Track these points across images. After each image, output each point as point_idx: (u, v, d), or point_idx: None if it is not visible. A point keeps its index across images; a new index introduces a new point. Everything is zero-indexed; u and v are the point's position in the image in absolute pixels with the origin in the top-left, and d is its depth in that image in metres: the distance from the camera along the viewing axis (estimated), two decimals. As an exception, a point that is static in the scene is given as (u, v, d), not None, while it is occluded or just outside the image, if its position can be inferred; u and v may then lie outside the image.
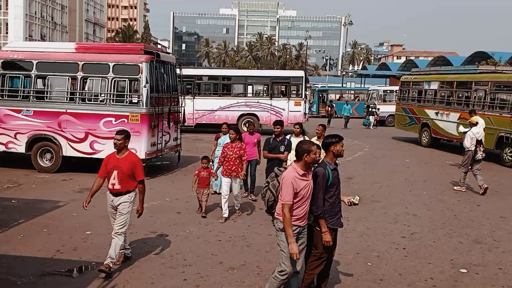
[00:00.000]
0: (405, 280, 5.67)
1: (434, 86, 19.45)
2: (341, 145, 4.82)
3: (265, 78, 22.10)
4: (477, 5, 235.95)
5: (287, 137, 8.82)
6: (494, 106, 15.26)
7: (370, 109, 31.38)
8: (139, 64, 10.86)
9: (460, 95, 17.61)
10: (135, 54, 11.15)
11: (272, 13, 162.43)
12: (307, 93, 24.81)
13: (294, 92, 22.02)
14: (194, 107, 21.62)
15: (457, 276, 5.84)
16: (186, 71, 23.04)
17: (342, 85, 49.95)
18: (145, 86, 10.78)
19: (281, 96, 22.09)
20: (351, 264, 6.15)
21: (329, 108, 31.43)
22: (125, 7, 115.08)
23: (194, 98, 21.63)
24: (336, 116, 32.99)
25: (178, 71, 12.90)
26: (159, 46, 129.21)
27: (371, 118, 29.61)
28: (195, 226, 7.59)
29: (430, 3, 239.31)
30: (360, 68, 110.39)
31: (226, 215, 7.97)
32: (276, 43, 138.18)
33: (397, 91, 25.00)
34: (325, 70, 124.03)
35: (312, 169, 4.67)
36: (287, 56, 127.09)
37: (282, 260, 4.48)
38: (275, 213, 4.58)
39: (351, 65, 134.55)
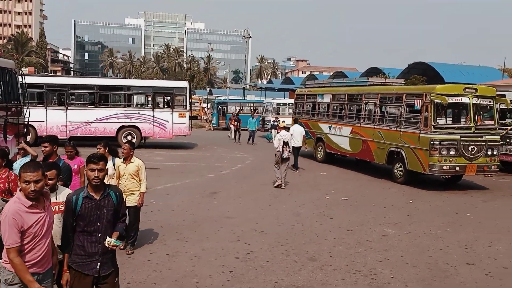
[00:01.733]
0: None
1: (327, 99, 18.93)
2: (92, 168, 3.69)
3: (147, 88, 21.06)
4: (379, 25, 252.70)
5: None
6: (384, 120, 14.90)
7: (273, 122, 31.35)
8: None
9: (352, 108, 17.22)
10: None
11: (180, 25, 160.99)
12: (207, 104, 23.93)
13: (179, 103, 21.14)
14: (68, 119, 19.96)
15: (273, 302, 5.29)
16: (57, 80, 21.45)
17: (243, 98, 49.98)
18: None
19: (165, 107, 21.10)
20: (160, 295, 5.38)
21: (236, 122, 26.93)
22: (19, 13, 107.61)
23: (67, 108, 19.97)
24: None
25: (20, 78, 11.48)
26: (60, 56, 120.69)
27: (273, 132, 29.30)
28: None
29: (337, 22, 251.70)
30: (266, 81, 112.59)
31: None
32: (184, 55, 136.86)
33: (292, 104, 24.75)
34: (232, 83, 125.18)
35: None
36: (195, 68, 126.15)
37: None
38: (2, 261, 3.50)
39: (258, 79, 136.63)
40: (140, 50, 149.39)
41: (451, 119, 15.34)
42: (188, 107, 20.88)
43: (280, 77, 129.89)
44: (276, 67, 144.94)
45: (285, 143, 12.57)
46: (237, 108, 40.85)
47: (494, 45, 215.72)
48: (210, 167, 15.86)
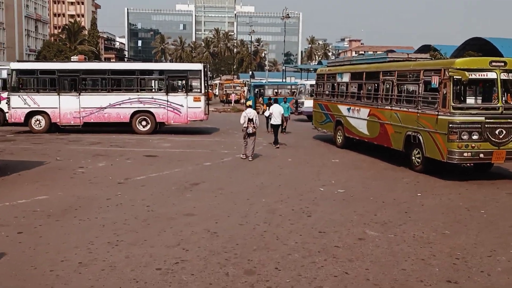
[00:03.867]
0: None
1: (346, 78, 17.11)
2: None
3: (160, 72, 20.19)
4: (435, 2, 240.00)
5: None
6: (401, 100, 13.13)
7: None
8: None
9: (370, 87, 15.47)
10: None
11: (230, 9, 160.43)
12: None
13: (194, 87, 20.18)
14: (81, 105, 19.54)
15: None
16: (69, 66, 21.05)
17: (283, 80, 48.38)
18: None
19: (179, 91, 20.20)
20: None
21: (268, 108, 20.36)
22: (72, 3, 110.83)
23: (79, 94, 19.53)
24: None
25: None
26: (117, 44, 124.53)
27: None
28: None
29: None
30: (316, 63, 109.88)
31: None
32: (234, 39, 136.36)
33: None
34: (282, 65, 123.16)
35: None
36: (245, 52, 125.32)
37: None
38: None
39: (309, 61, 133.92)
40: (191, 36, 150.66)
41: (475, 98, 13.36)
42: (203, 91, 19.83)
43: (332, 58, 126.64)
44: (328, 48, 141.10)
45: (250, 120, 13.63)
46: (274, 91, 39.65)
47: None
48: (214, 155, 14.80)
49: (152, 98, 19.77)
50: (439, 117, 10.99)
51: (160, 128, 20.68)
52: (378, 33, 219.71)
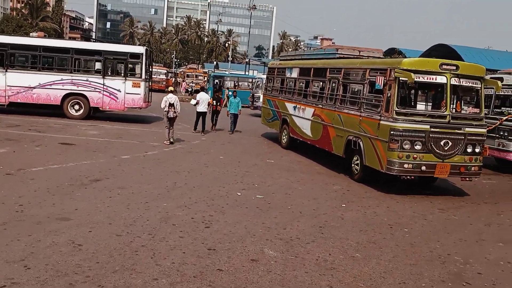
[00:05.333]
0: None
1: (295, 74, 15.86)
2: None
3: (97, 53, 18.62)
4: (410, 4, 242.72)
5: None
6: (345, 101, 11.90)
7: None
8: None
9: (316, 85, 14.21)
10: None
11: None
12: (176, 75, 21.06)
13: (134, 71, 18.73)
14: (7, 82, 17.83)
15: None
16: (-3, 39, 19.26)
17: (245, 73, 47.19)
18: None
19: (117, 75, 18.70)
20: None
21: (215, 102, 18.54)
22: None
23: (6, 71, 17.82)
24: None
25: None
26: (86, 24, 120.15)
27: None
28: None
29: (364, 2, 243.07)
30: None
31: None
32: (206, 28, 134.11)
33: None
34: (259, 59, 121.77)
35: None
36: (215, 42, 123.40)
37: None
38: None
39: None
40: (162, 21, 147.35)
41: (425, 104, 12.46)
42: (143, 76, 18.40)
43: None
44: (299, 45, 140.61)
45: (171, 104, 14.15)
46: (235, 84, 38.44)
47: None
48: (140, 146, 13.52)
49: (87, 80, 18.23)
50: (381, 122, 9.91)
51: (94, 114, 19.15)
52: (350, 34, 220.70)
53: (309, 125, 13.82)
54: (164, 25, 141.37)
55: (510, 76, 13.95)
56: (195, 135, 16.99)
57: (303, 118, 14.31)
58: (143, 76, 18.42)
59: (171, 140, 14.30)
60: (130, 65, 18.68)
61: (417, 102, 12.23)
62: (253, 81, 33.48)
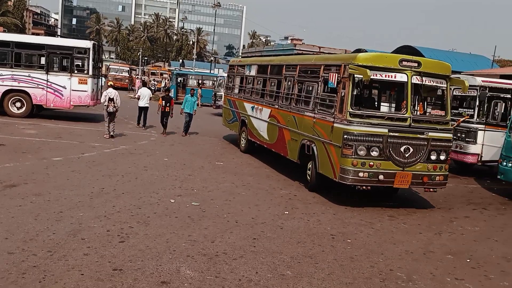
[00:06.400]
0: None
1: (253, 71, 14.76)
2: None
3: (40, 47, 17.40)
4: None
5: None
6: (300, 101, 10.89)
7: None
8: None
9: (273, 84, 13.19)
10: None
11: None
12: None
13: (80, 67, 17.61)
14: None
15: None
16: None
17: (210, 71, 46.24)
18: None
19: (63, 71, 17.55)
20: None
21: (163, 102, 16.69)
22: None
23: None
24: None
25: None
26: (51, 20, 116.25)
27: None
28: None
29: (334, 4, 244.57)
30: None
31: None
32: (175, 25, 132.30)
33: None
34: (224, 57, 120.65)
35: None
36: (184, 40, 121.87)
37: None
38: None
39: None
40: (130, 18, 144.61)
41: (389, 106, 11.77)
42: (90, 72, 17.30)
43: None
44: (269, 44, 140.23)
45: (111, 99, 14.37)
46: (199, 82, 37.53)
47: (486, 34, 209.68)
48: (77, 147, 12.51)
49: (29, 76, 17.03)
50: (334, 125, 8.84)
51: (39, 112, 17.95)
52: (320, 36, 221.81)
53: (266, 127, 12.81)
54: (132, 22, 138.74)
55: (470, 78, 13.51)
56: (145, 134, 16.05)
57: (260, 119, 13.28)
58: (91, 72, 17.33)
59: (111, 133, 14.47)
60: (76, 61, 17.53)
61: (375, 103, 11.37)
62: (216, 79, 32.58)
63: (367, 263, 6.08)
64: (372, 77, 8.35)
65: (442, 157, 8.87)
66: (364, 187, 8.63)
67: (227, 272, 5.39)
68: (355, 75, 8.52)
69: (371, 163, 8.41)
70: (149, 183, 9.39)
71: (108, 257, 5.48)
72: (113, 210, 7.34)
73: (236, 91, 16.06)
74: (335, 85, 9.06)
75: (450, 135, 9.11)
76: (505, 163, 11.01)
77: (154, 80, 46.39)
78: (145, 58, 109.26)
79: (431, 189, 9.09)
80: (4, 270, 4.90)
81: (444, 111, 9.28)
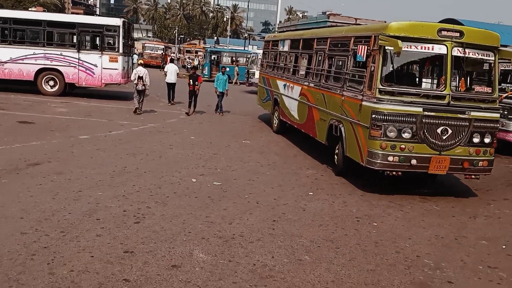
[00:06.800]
0: None
1: (286, 47, 13.94)
2: None
3: (71, 25, 17.46)
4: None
5: None
6: (330, 77, 9.98)
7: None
8: None
9: (304, 60, 12.29)
10: None
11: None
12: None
13: (111, 45, 17.61)
14: (-25, 57, 16.81)
15: None
16: (-40, 9, 18.15)
17: (245, 48, 45.70)
18: None
19: (94, 49, 17.61)
20: None
21: (191, 81, 15.93)
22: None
23: (-26, 45, 16.78)
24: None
25: None
26: (91, 1, 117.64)
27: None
28: None
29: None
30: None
31: None
32: (211, 2, 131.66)
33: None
34: (259, 34, 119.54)
35: None
36: (220, 17, 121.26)
37: None
38: None
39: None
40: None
41: (421, 81, 10.89)
42: (121, 50, 17.29)
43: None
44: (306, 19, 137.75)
45: (140, 77, 14.61)
46: (232, 59, 37.21)
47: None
48: (106, 125, 12.55)
49: (61, 54, 17.18)
50: (363, 103, 8.00)
51: (72, 90, 18.16)
52: (360, 10, 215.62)
53: (296, 106, 12.11)
54: (169, 1, 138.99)
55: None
56: (175, 112, 15.98)
57: (291, 98, 12.56)
58: (121, 50, 17.31)
59: (140, 110, 14.97)
60: (107, 39, 17.52)
61: (410, 79, 10.00)
62: (249, 56, 32.14)
63: (393, 249, 5.72)
64: (405, 49, 7.49)
65: (487, 140, 7.82)
66: (394, 173, 7.73)
67: (242, 256, 5.16)
68: (386, 47, 7.59)
69: (403, 146, 7.54)
70: (173, 162, 9.25)
71: (121, 238, 5.35)
72: (132, 189, 7.23)
73: (270, 68, 15.29)
74: (364, 58, 8.14)
75: (497, 115, 8.01)
76: (550, 142, 10.23)
77: (188, 58, 46.33)
78: (182, 36, 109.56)
79: (473, 176, 8.06)
80: (14, 251, 4.84)
81: (490, 88, 8.14)
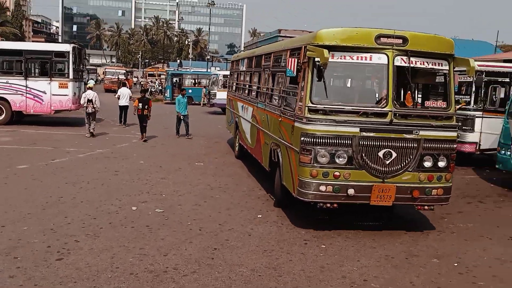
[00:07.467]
0: None
1: (244, 66, 13.07)
2: None
3: (18, 53, 16.78)
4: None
5: None
6: (272, 96, 8.99)
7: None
8: None
9: (255, 78, 11.30)
10: None
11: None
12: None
13: (60, 71, 17.00)
14: None
15: None
16: None
17: (207, 70, 45.48)
18: None
19: (43, 75, 16.95)
20: None
21: (140, 104, 15.15)
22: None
23: None
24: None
25: None
26: (53, 28, 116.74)
27: None
28: None
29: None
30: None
31: None
32: (175, 27, 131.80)
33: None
34: (221, 56, 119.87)
35: None
36: (185, 41, 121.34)
37: None
38: None
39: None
40: (130, 23, 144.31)
41: (358, 96, 8.90)
42: (71, 76, 16.66)
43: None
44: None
45: (89, 100, 14.89)
46: (194, 81, 36.97)
47: (488, 20, 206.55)
48: (50, 153, 11.87)
49: (7, 82, 16.47)
50: (295, 124, 6.84)
51: (21, 118, 17.39)
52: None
53: (249, 128, 10.97)
54: (132, 26, 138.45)
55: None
56: (128, 136, 15.41)
57: (246, 120, 11.58)
58: (71, 76, 16.69)
59: (92, 131, 15.06)
60: (57, 65, 16.92)
61: (345, 95, 7.96)
62: (210, 77, 31.97)
63: (339, 273, 5.33)
64: (338, 60, 6.50)
65: (442, 164, 6.61)
66: (329, 205, 6.50)
67: (171, 292, 4.66)
68: (316, 59, 6.42)
69: (337, 173, 6.37)
70: (115, 189, 8.68)
71: (36, 279, 4.79)
72: (63, 221, 6.65)
73: (233, 89, 14.37)
74: (295, 73, 7.02)
75: (453, 134, 6.74)
76: (503, 152, 10.21)
77: (151, 81, 45.78)
78: (146, 60, 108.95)
79: (426, 207, 6.77)
80: None
81: (445, 102, 6.89)
